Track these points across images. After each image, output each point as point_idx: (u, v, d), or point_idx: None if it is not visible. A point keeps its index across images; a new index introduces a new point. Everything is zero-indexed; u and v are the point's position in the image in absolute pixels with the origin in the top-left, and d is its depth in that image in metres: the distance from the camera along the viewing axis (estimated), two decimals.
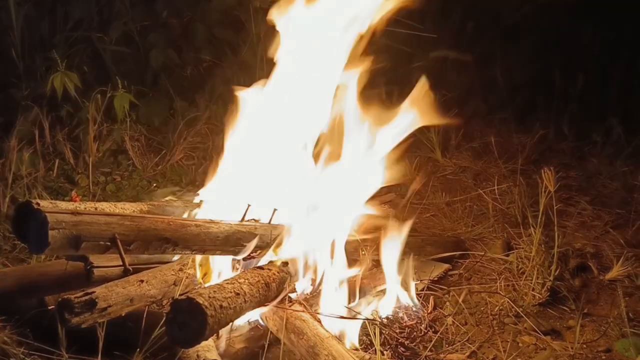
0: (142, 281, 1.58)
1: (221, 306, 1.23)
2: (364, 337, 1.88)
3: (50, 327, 1.52)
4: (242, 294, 1.34)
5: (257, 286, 1.43)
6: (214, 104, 3.66)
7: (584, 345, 2.13)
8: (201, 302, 1.20)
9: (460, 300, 2.24)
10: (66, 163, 2.98)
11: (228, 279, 1.41)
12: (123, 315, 1.56)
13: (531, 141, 3.76)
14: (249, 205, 1.76)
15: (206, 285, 1.57)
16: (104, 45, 3.72)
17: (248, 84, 3.82)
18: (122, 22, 3.79)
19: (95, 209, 1.57)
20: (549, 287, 2.33)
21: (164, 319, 1.22)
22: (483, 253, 2.56)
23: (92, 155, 3.00)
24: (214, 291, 1.27)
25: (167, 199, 1.98)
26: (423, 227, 2.91)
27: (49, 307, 1.55)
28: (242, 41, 3.80)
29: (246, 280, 1.41)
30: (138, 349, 1.53)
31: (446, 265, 2.49)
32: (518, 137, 3.93)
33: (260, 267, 1.57)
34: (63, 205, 1.52)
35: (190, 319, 1.20)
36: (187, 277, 1.63)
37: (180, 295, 1.25)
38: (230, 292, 1.30)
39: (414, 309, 2.00)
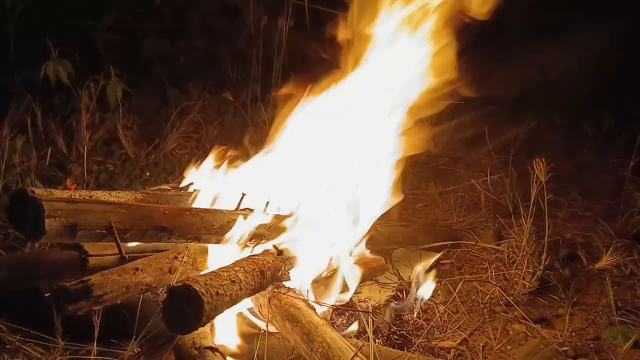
0: (137, 269, 1.58)
1: (217, 293, 1.24)
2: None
3: (46, 315, 1.52)
4: (237, 282, 1.35)
5: (252, 274, 1.44)
6: (207, 93, 3.65)
7: (573, 334, 2.16)
8: (197, 288, 1.21)
9: (452, 289, 2.27)
10: (59, 152, 2.96)
11: (223, 267, 1.42)
12: (119, 303, 1.56)
13: (523, 132, 3.78)
14: (243, 194, 1.77)
15: (202, 273, 1.58)
16: (97, 33, 3.69)
17: (242, 74, 3.84)
18: (115, 10, 3.77)
19: (90, 197, 1.57)
20: (539, 276, 2.36)
21: (161, 305, 1.23)
22: (474, 242, 2.58)
23: (84, 144, 2.99)
24: (210, 278, 1.28)
25: (162, 187, 1.98)
26: (416, 216, 2.93)
27: (45, 295, 1.56)
28: (237, 31, 3.79)
29: (241, 268, 1.42)
30: (134, 337, 1.54)
31: (437, 254, 2.51)
32: (510, 128, 3.95)
33: (255, 255, 1.58)
34: (58, 193, 1.52)
35: (187, 305, 1.21)
36: (182, 265, 1.64)
37: (176, 282, 1.26)
38: (226, 280, 1.31)
39: (412, 299, 2.01)
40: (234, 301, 1.32)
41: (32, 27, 3.46)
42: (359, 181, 2.06)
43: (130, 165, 3.03)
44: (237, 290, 1.33)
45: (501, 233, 2.73)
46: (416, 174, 3.36)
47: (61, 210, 1.32)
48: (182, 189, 1.92)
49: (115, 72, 3.19)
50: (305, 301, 1.60)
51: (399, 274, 2.28)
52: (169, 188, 1.87)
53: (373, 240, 2.10)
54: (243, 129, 3.48)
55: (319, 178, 1.92)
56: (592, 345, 2.10)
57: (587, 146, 3.79)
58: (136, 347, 1.59)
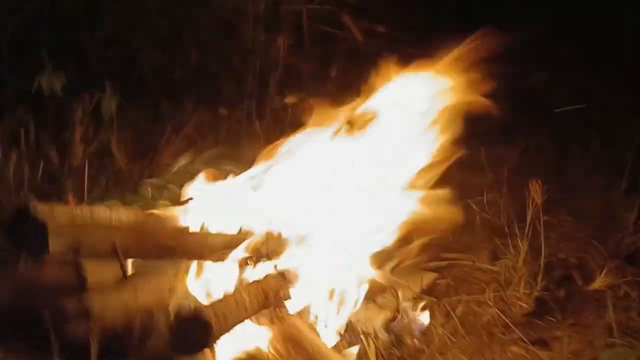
0: (136, 288, 1.54)
1: (224, 315, 1.21)
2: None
3: (43, 335, 1.47)
4: (242, 304, 1.32)
5: (256, 296, 1.41)
6: (201, 109, 3.63)
7: (571, 356, 2.15)
8: (205, 311, 1.17)
9: (451, 312, 2.25)
10: (52, 165, 2.90)
11: (228, 290, 1.38)
12: (117, 322, 1.52)
13: (513, 153, 3.81)
14: (244, 218, 1.74)
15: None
16: (90, 45, 3.66)
17: (237, 89, 3.81)
18: (110, 22, 3.74)
19: (92, 212, 1.53)
20: (535, 297, 2.35)
21: (168, 327, 1.20)
22: (470, 262, 2.57)
23: (77, 157, 2.94)
24: (218, 303, 1.25)
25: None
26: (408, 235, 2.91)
27: (42, 315, 1.50)
28: (233, 49, 3.78)
29: (246, 291, 1.39)
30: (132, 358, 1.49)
31: (434, 275, 2.49)
32: (500, 147, 3.97)
33: (259, 278, 1.55)
34: (60, 208, 1.48)
35: (194, 328, 1.17)
36: (182, 283, 1.60)
37: (184, 307, 1.22)
38: (232, 302, 1.28)
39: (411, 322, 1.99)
40: (239, 323, 1.29)
41: (25, 39, 3.41)
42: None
43: (123, 180, 2.98)
44: (242, 312, 1.29)
45: (496, 253, 2.73)
46: None
47: (65, 229, 1.28)
48: (180, 204, 1.89)
49: (109, 86, 3.14)
50: (308, 323, 1.57)
51: (397, 294, 2.25)
52: (168, 203, 1.84)
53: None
54: (237, 144, 3.47)
55: (323, 197, 1.90)
56: None
57: (575, 167, 3.81)
58: None
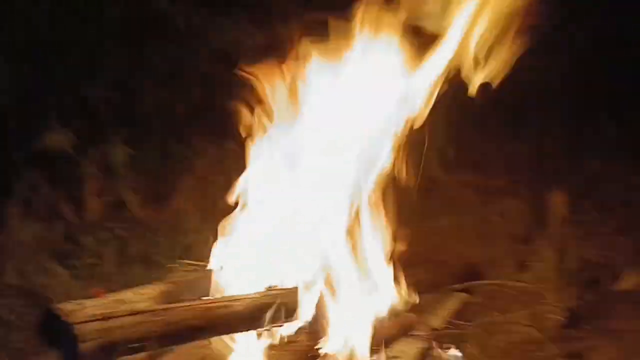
0: None
1: None
2: None
3: None
4: None
5: None
6: (210, 144, 3.64)
7: None
8: None
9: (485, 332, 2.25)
10: (67, 223, 2.94)
11: None
12: None
13: (526, 148, 3.78)
14: (270, 280, 1.76)
15: None
16: (93, 93, 3.68)
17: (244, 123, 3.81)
18: (111, 68, 3.76)
19: (119, 302, 1.54)
20: (568, 307, 2.34)
21: None
22: (499, 279, 2.56)
23: (92, 212, 2.97)
24: None
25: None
26: (433, 252, 2.90)
27: None
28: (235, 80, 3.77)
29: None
30: None
31: (463, 295, 2.49)
32: (512, 143, 3.94)
33: (291, 341, 1.56)
34: (89, 303, 1.49)
35: None
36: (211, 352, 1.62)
37: None
38: None
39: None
40: None
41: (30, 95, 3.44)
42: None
43: (140, 229, 3.00)
44: None
45: (522, 263, 2.72)
46: (425, 203, 3.34)
47: (95, 330, 1.30)
48: (203, 267, 1.91)
49: (118, 137, 3.18)
50: None
51: (429, 323, 2.24)
52: (192, 269, 1.85)
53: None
54: None
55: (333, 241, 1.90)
56: None
57: (592, 156, 3.77)
58: None
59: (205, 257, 2.67)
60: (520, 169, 3.58)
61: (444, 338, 2.20)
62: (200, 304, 1.56)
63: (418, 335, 2.19)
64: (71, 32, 3.75)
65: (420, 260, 2.71)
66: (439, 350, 2.01)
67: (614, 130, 3.89)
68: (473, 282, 2.49)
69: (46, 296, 2.39)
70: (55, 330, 1.35)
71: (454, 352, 2.04)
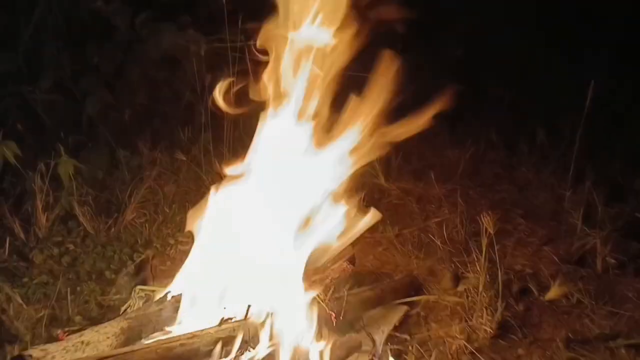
0: None
1: None
2: None
3: None
4: None
5: None
6: (157, 149, 3.69)
7: None
8: None
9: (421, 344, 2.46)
10: (16, 239, 2.95)
11: None
12: None
13: (464, 156, 4.01)
14: (224, 309, 1.88)
15: None
16: (35, 96, 3.65)
17: (190, 127, 3.87)
18: (52, 70, 3.73)
19: (82, 342, 1.63)
20: (498, 320, 2.58)
21: None
22: (436, 292, 2.78)
23: (41, 227, 3.00)
24: None
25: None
26: (378, 263, 3.10)
27: None
28: (181, 82, 3.82)
29: None
30: None
31: (405, 308, 2.68)
32: (452, 151, 4.17)
33: None
34: (53, 348, 1.58)
35: None
36: None
37: None
38: None
39: None
40: None
41: None
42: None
43: (91, 242, 3.04)
44: None
45: (458, 274, 2.94)
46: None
47: None
48: (161, 300, 2.00)
49: (64, 149, 3.19)
50: None
51: (372, 338, 2.43)
52: (151, 305, 1.94)
53: (346, 313, 2.25)
54: (198, 185, 3.56)
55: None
56: None
57: (525, 164, 4.05)
58: None
59: (159, 275, 2.79)
60: (458, 178, 3.81)
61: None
62: (161, 344, 1.67)
63: (363, 350, 2.37)
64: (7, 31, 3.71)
65: (367, 274, 2.91)
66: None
67: (545, 139, 4.18)
68: (413, 298, 2.69)
69: (1, 318, 2.44)
70: None
71: None
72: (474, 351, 2.45)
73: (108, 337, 1.73)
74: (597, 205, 3.26)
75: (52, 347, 1.59)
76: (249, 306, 1.92)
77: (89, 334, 1.71)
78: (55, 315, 2.51)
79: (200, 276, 2.06)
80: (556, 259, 3.08)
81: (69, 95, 3.74)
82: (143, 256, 2.94)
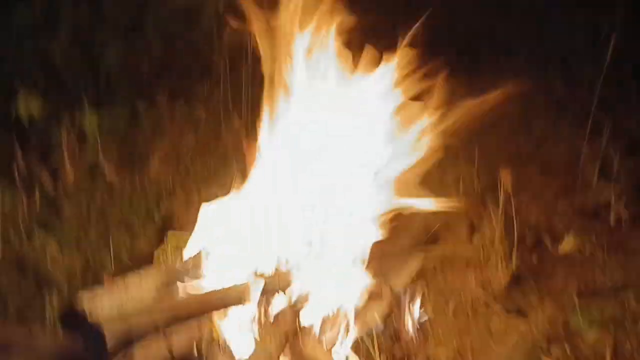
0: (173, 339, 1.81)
1: None
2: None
3: None
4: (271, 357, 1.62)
5: (280, 342, 1.71)
6: (176, 103, 3.77)
7: (545, 322, 2.53)
8: None
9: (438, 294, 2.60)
10: (45, 190, 3.08)
11: (258, 347, 1.67)
12: None
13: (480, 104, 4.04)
14: (252, 260, 2.02)
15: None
16: (54, 50, 3.72)
17: (209, 81, 3.92)
18: (69, 24, 3.78)
19: (125, 287, 1.78)
20: (512, 271, 2.71)
21: None
22: (453, 243, 2.89)
23: (69, 179, 3.12)
24: None
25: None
26: (397, 219, 3.20)
27: None
28: (198, 35, 3.87)
29: (270, 338, 1.68)
30: None
31: (421, 259, 2.81)
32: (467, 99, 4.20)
33: (277, 317, 1.84)
34: (101, 293, 1.72)
35: None
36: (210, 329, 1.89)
37: None
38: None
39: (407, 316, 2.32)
40: None
41: None
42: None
43: (117, 194, 3.17)
44: None
45: (473, 224, 3.05)
46: None
47: (117, 330, 1.54)
48: (193, 250, 2.14)
49: (85, 101, 3.29)
50: (323, 351, 1.89)
51: (390, 287, 2.56)
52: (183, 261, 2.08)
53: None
54: (218, 139, 3.66)
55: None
56: (562, 333, 2.47)
57: (541, 116, 4.09)
58: None
59: (185, 228, 2.91)
60: (474, 130, 3.86)
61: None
62: (199, 295, 1.82)
63: (382, 298, 2.51)
64: None
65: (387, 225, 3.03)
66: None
67: (562, 90, 4.21)
68: (431, 247, 2.81)
69: (38, 268, 2.60)
70: (79, 322, 1.59)
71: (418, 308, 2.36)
72: (490, 300, 2.58)
73: (148, 283, 1.87)
74: (613, 158, 3.31)
75: (100, 290, 1.73)
76: (279, 256, 2.05)
77: (131, 279, 1.85)
78: (89, 264, 2.66)
79: (230, 229, 2.18)
80: (570, 212, 3.17)
81: (86, 49, 3.80)
82: (168, 208, 3.05)
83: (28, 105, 3.18)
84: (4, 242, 2.71)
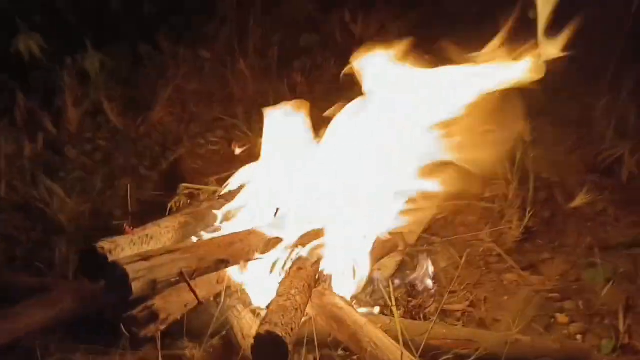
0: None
1: (292, 329, 1.52)
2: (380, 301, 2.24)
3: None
4: (299, 308, 1.62)
5: (304, 292, 1.71)
6: (179, 46, 3.69)
7: (558, 277, 2.56)
8: (280, 333, 1.47)
9: (451, 248, 2.62)
10: (48, 134, 3.04)
11: (281, 294, 1.68)
12: (179, 318, 1.82)
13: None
14: (277, 209, 2.00)
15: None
16: None
17: (211, 22, 3.80)
18: None
19: (147, 236, 1.77)
20: (525, 225, 2.72)
21: (250, 350, 1.50)
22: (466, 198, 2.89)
23: (72, 122, 3.08)
24: (282, 315, 1.55)
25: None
26: None
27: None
28: None
29: (297, 291, 1.69)
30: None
31: (433, 211, 2.82)
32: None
33: (299, 268, 1.84)
34: (122, 241, 1.71)
35: (273, 347, 1.48)
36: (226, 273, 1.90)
37: (259, 328, 1.51)
38: (292, 311, 1.58)
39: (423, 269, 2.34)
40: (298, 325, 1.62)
41: None
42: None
43: (121, 139, 3.14)
44: (300, 316, 1.61)
45: (487, 183, 3.05)
46: None
47: (141, 270, 1.53)
48: (210, 198, 2.13)
49: (88, 42, 3.20)
50: (344, 299, 1.91)
51: (404, 239, 2.57)
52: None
53: None
54: (223, 83, 3.60)
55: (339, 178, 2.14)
56: (574, 287, 2.50)
57: (553, 71, 4.04)
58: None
59: (192, 174, 2.89)
60: None
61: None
62: (224, 239, 1.81)
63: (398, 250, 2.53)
64: None
65: None
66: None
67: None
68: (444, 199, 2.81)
69: (45, 211, 2.57)
70: (98, 267, 1.58)
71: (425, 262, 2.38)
72: (502, 253, 2.61)
73: (169, 231, 1.87)
74: (630, 115, 3.29)
75: (120, 239, 1.73)
76: (300, 206, 2.04)
77: (151, 228, 1.84)
78: (97, 208, 2.64)
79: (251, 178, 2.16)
80: (582, 167, 3.17)
81: None
82: (175, 154, 3.02)
83: (29, 45, 3.08)
84: (9, 185, 2.68)
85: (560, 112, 3.67)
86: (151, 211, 2.50)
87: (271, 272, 1.91)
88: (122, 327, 1.69)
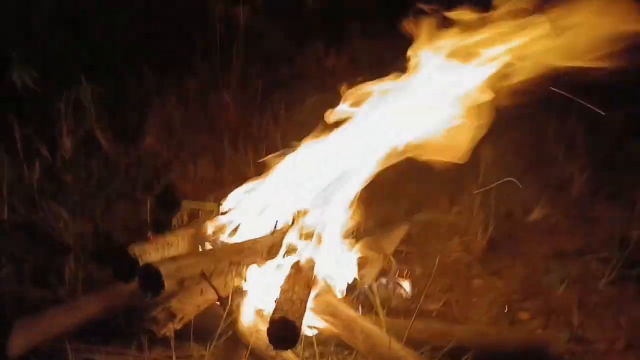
0: (202, 290, 2.11)
1: (300, 315, 1.83)
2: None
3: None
4: (302, 301, 1.93)
5: (304, 290, 2.02)
6: (165, 75, 3.99)
7: (519, 281, 2.93)
8: (291, 318, 1.78)
9: (425, 256, 2.97)
10: (45, 162, 3.27)
11: (285, 290, 1.98)
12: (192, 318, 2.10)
13: None
14: (277, 221, 2.32)
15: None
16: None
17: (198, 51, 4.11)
18: None
19: (167, 243, 2.06)
20: (489, 237, 3.11)
21: (267, 334, 1.80)
22: (436, 214, 3.28)
23: (67, 149, 3.33)
24: (290, 305, 1.85)
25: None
26: (391, 191, 3.53)
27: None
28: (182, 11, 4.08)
29: (298, 288, 2.00)
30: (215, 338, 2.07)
31: (406, 227, 3.18)
32: None
33: (298, 271, 2.15)
34: (150, 248, 2.00)
35: (286, 331, 1.78)
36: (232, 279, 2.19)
37: (274, 315, 1.81)
38: (297, 302, 1.89)
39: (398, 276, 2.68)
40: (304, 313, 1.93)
41: None
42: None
43: (113, 166, 3.40)
44: (304, 307, 1.92)
45: (453, 199, 3.45)
46: None
47: (172, 270, 1.82)
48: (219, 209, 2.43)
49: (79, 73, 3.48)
50: (336, 298, 2.23)
51: (385, 254, 2.91)
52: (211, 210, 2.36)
53: None
54: (207, 110, 3.91)
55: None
56: (534, 289, 2.88)
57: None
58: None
59: (185, 197, 3.16)
60: None
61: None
62: (237, 245, 2.13)
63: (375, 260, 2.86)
64: None
65: (380, 198, 3.36)
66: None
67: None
68: (416, 216, 3.18)
69: (48, 232, 2.82)
70: (130, 269, 1.86)
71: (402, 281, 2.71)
72: (470, 261, 2.98)
73: (184, 239, 2.16)
74: (578, 137, 3.76)
75: (147, 245, 2.01)
76: (298, 212, 2.35)
77: (170, 237, 2.13)
78: (98, 229, 2.89)
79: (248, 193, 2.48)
80: (539, 185, 3.59)
81: (69, 22, 3.97)
82: (167, 179, 3.30)
83: (22, 76, 3.34)
84: (11, 208, 2.91)
85: (517, 136, 4.12)
86: (155, 229, 2.76)
87: (274, 274, 2.21)
88: (144, 326, 1.95)
